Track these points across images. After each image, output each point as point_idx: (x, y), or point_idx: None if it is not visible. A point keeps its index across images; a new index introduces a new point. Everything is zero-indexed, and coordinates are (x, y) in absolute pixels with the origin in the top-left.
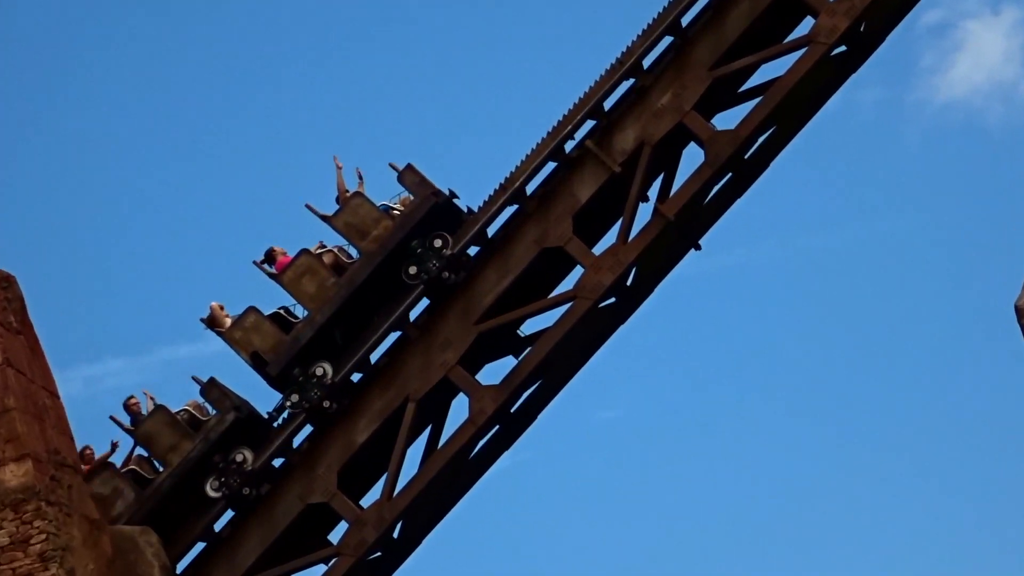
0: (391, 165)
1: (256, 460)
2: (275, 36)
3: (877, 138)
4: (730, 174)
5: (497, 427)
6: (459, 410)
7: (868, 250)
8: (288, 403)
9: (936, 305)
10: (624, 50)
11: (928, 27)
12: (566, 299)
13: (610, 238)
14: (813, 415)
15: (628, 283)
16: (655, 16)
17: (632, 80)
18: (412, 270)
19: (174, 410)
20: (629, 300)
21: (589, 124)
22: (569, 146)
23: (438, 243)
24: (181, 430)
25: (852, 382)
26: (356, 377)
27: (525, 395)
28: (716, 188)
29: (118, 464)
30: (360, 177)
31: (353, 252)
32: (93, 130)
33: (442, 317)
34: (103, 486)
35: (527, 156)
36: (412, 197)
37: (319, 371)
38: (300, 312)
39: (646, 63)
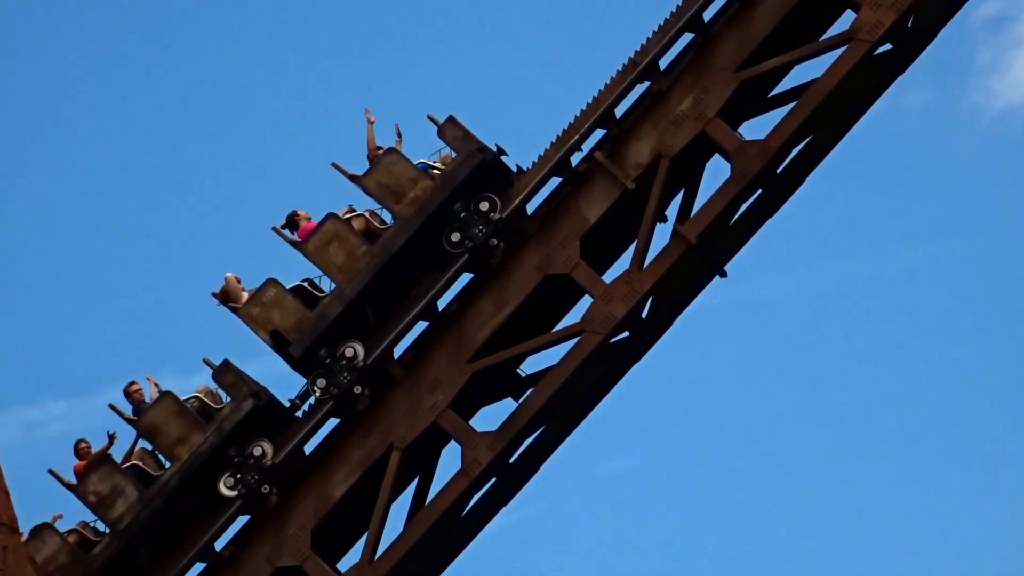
0: (430, 118)
1: (277, 454)
2: None
3: (927, 149)
4: (759, 191)
5: (494, 479)
6: (450, 460)
7: (916, 278)
8: (313, 389)
9: (992, 340)
10: (638, 49)
11: (984, 21)
12: (572, 333)
13: (623, 264)
14: (852, 464)
15: (643, 315)
16: (673, 10)
17: (647, 83)
18: (455, 237)
19: (183, 397)
20: (644, 334)
21: (598, 134)
22: (576, 159)
23: (484, 206)
24: (190, 420)
25: (898, 429)
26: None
27: (526, 443)
28: (744, 207)
29: (118, 459)
30: (399, 134)
31: (387, 217)
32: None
33: (431, 353)
34: (101, 483)
35: (527, 171)
36: (454, 154)
37: (348, 352)
38: (327, 285)
39: (663, 64)
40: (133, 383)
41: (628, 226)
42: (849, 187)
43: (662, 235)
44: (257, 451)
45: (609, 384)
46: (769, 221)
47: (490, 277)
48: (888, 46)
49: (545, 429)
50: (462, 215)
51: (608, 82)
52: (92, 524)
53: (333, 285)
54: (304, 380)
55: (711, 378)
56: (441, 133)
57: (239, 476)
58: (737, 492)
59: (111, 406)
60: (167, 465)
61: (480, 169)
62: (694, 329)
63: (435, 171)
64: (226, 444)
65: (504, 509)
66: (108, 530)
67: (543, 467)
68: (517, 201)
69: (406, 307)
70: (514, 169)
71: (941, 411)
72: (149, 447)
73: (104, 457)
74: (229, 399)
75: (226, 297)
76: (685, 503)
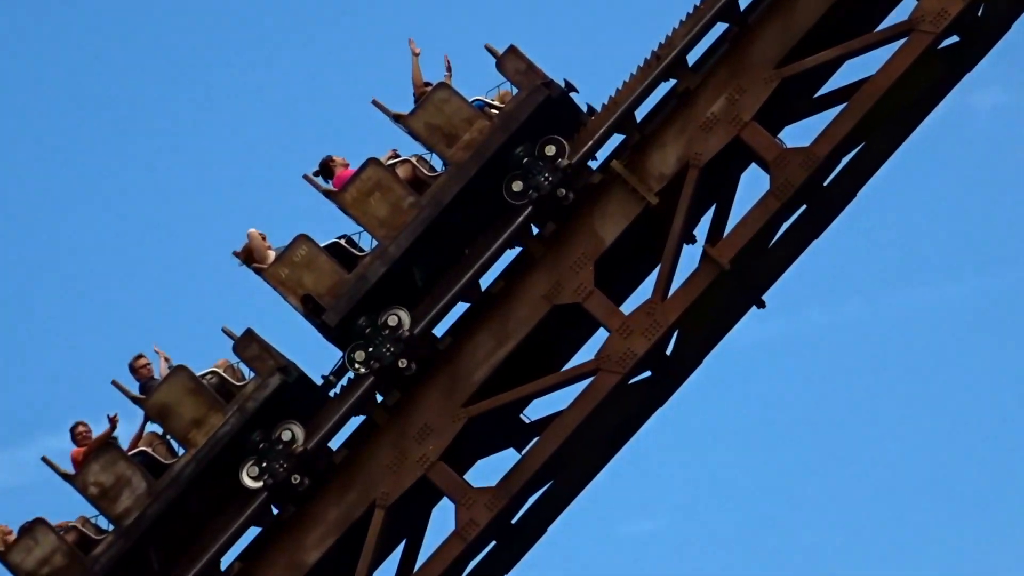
0: (488, 48)
1: (308, 439)
2: None
3: (998, 156)
4: (803, 207)
5: (493, 543)
6: (443, 520)
7: (986, 308)
8: (351, 363)
9: None
10: (662, 41)
11: None
12: (585, 373)
13: (644, 292)
14: (912, 520)
15: (667, 352)
16: None
17: (673, 81)
18: (517, 186)
19: (199, 373)
20: (669, 374)
21: (616, 140)
22: (591, 167)
23: (551, 150)
24: (208, 399)
25: (964, 479)
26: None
27: (530, 501)
28: (785, 226)
29: (124, 445)
30: (449, 68)
31: (437, 163)
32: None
33: (419, 397)
34: (104, 473)
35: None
36: (515, 90)
37: (392, 321)
38: (367, 243)
39: (691, 59)
40: (140, 356)
41: (650, 248)
42: (908, 202)
43: (690, 259)
44: (286, 435)
45: (628, 432)
46: (814, 242)
47: (489, 308)
48: (954, 38)
49: (553, 485)
50: (525, 160)
51: (627, 80)
52: (93, 520)
53: (374, 243)
54: (340, 353)
55: (747, 425)
56: (500, 66)
57: (265, 464)
58: (782, 557)
59: (114, 383)
60: (180, 452)
61: (546, 108)
62: (727, 368)
63: (493, 110)
64: (250, 427)
65: None
66: (112, 527)
67: (550, 529)
68: (588, 146)
69: (460, 268)
70: (584, 109)
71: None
72: (159, 431)
73: (106, 443)
74: (252, 375)
75: (249, 257)
76: (717, 571)
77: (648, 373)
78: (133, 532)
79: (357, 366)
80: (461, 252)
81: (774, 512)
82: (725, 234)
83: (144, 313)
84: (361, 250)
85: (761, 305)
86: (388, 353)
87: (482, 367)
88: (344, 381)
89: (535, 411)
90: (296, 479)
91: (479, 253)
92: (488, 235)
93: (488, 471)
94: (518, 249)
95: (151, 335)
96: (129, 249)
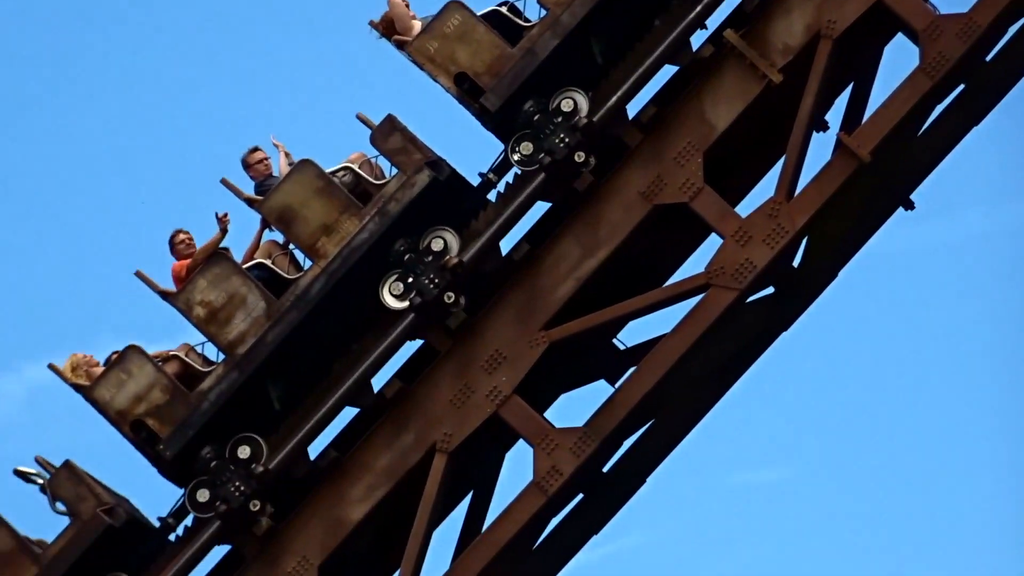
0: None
1: (464, 249)
2: None
3: None
4: (961, 86)
5: (580, 496)
6: (518, 468)
7: None
8: (515, 156)
9: None
10: None
11: None
12: (693, 289)
13: (765, 191)
14: None
15: (794, 263)
16: None
17: None
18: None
19: (329, 170)
20: (795, 290)
21: (730, 3)
22: (698, 40)
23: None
24: (340, 200)
25: None
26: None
27: (626, 445)
28: (938, 110)
29: (237, 257)
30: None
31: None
32: None
33: (490, 316)
34: (212, 291)
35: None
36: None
37: (566, 105)
38: (533, 12)
39: None
40: (256, 149)
41: (773, 137)
42: None
43: (821, 149)
44: (436, 244)
45: (745, 361)
46: (973, 130)
47: (574, 210)
48: None
49: (653, 426)
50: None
51: None
52: (199, 348)
53: (543, 10)
54: (501, 145)
55: (890, 352)
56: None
57: (412, 280)
58: (936, 513)
59: (224, 181)
60: (306, 265)
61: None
62: (866, 282)
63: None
64: (392, 234)
65: (594, 539)
66: (222, 357)
67: (650, 480)
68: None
69: (645, 47)
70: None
71: None
72: (280, 239)
73: (216, 253)
74: (395, 171)
75: (389, 28)
76: (853, 528)
77: (770, 289)
78: (248, 363)
79: (522, 159)
80: (645, 28)
81: (927, 460)
82: (864, 120)
83: (257, 100)
84: (527, 20)
85: (909, 206)
86: (561, 144)
87: (566, 282)
88: (507, 180)
89: (631, 335)
90: (449, 297)
91: (666, 32)
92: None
93: (574, 408)
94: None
95: (269, 124)
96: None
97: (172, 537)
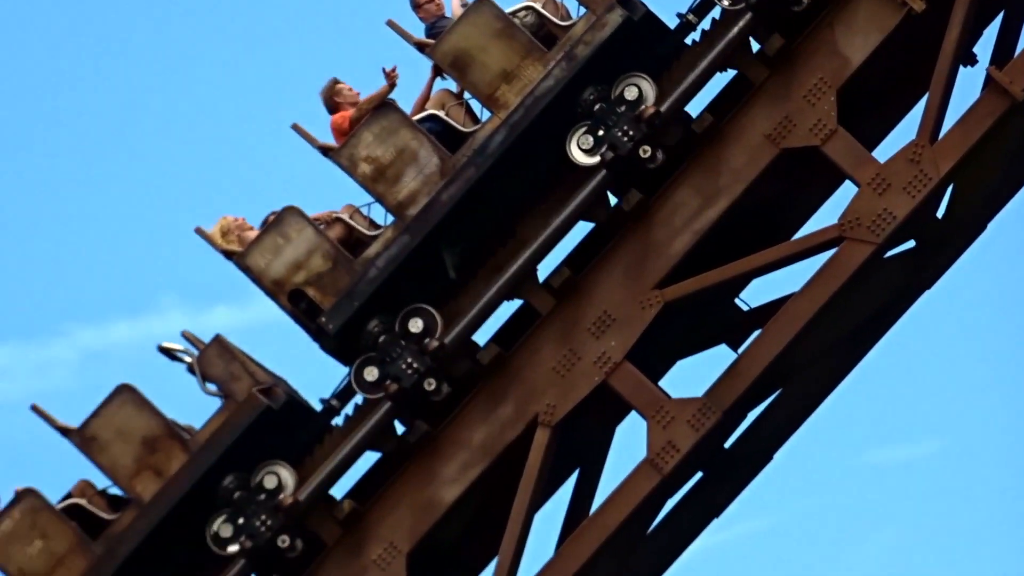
0: None
1: (662, 99)
2: None
3: None
4: None
5: (700, 475)
6: (630, 443)
7: None
8: None
9: None
10: None
11: None
12: (825, 242)
13: (906, 133)
14: None
15: (938, 214)
16: None
17: None
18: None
19: (508, 9)
20: (940, 246)
21: None
22: None
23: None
24: (522, 44)
25: None
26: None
27: (750, 418)
28: None
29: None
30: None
31: None
32: None
33: (596, 275)
34: (379, 145)
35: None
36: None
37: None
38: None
39: None
40: None
41: (914, 73)
42: None
43: (969, 86)
44: (630, 92)
45: (883, 324)
46: None
47: (694, 151)
48: None
49: (780, 396)
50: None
51: None
52: (364, 210)
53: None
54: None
55: None
56: None
57: (603, 132)
58: None
59: (389, 22)
60: (484, 117)
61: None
62: (1018, 235)
63: None
64: (581, 82)
65: (715, 522)
66: (391, 219)
67: (776, 457)
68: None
69: None
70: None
71: None
72: (454, 88)
73: (383, 104)
74: (583, 11)
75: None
76: (1011, 508)
77: (911, 243)
78: (420, 225)
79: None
80: None
81: None
82: (1017, 53)
83: None
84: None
85: None
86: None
87: (682, 235)
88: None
89: (755, 295)
90: (645, 152)
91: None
92: None
93: (692, 377)
94: (730, 73)
95: None
96: None
97: (335, 421)
